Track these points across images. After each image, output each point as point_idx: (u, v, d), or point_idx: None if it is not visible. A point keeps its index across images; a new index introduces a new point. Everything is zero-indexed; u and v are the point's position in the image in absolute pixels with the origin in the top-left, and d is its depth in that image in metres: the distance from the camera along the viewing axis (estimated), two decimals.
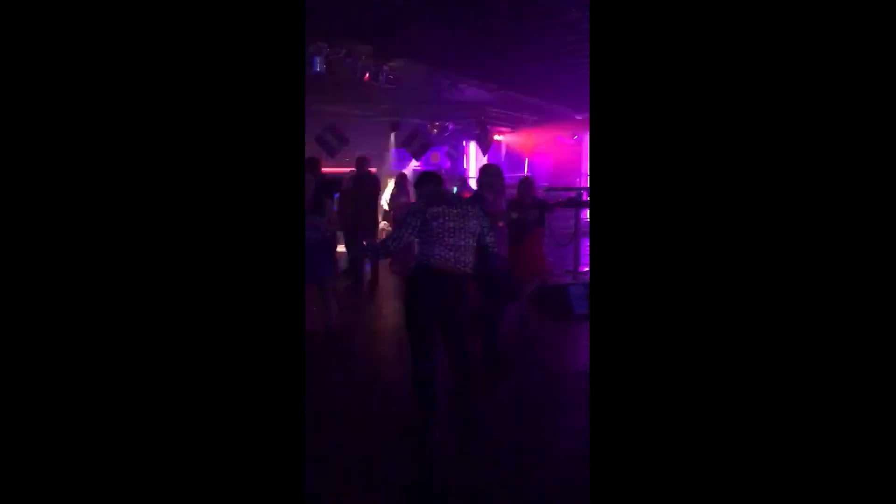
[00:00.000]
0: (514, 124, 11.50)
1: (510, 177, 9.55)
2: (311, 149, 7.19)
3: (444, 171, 10.49)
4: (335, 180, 6.40)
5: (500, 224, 4.27)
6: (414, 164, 10.98)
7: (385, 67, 6.42)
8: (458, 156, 12.71)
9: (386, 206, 8.11)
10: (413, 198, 3.37)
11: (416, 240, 3.14)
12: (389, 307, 5.84)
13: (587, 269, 6.53)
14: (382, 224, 7.94)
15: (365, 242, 4.58)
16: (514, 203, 4.69)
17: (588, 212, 6.91)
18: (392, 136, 10.71)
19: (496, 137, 11.49)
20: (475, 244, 3.20)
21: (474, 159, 12.57)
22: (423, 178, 3.37)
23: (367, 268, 6.99)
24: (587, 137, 11.18)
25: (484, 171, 4.14)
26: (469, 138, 11.97)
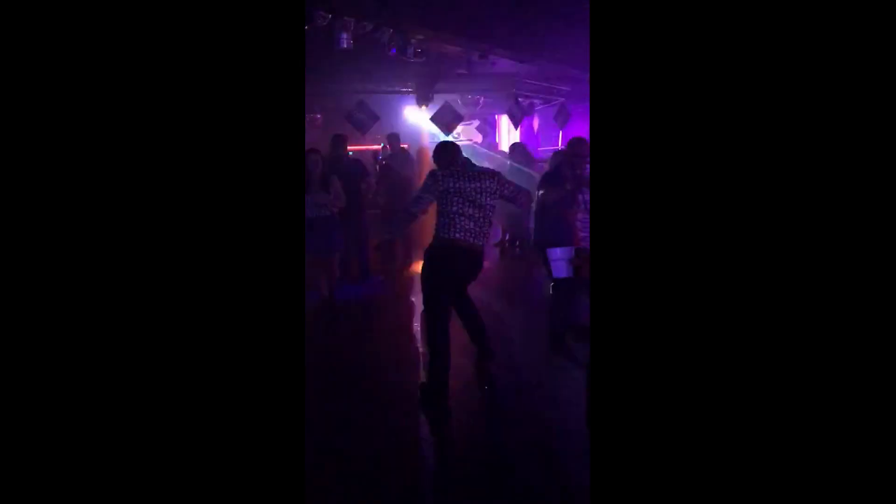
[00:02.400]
0: (547, 96, 11.21)
1: (543, 150, 9.36)
2: (342, 127, 7.21)
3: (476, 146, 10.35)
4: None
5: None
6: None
7: (412, 41, 6.30)
8: (490, 130, 12.53)
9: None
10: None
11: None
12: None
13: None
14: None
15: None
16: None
17: None
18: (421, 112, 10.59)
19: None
20: (491, 219, 3.23)
21: (506, 133, 12.39)
22: (440, 148, 3.38)
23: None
24: None
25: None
26: (500, 111, 11.76)
